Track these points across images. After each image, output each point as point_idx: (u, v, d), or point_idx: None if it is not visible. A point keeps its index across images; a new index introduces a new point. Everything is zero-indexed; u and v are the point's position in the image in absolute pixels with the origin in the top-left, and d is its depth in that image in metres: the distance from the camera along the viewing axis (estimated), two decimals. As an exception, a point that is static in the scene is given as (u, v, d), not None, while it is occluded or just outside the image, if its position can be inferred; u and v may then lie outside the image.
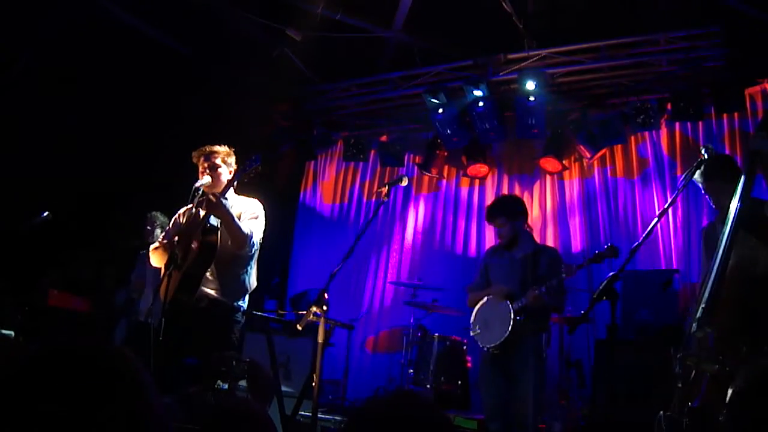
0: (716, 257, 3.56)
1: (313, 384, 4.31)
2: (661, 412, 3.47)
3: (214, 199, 4.63)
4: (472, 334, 5.62)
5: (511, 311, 5.28)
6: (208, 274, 4.75)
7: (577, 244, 8.61)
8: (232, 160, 5.05)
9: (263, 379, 4.58)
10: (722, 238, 3.59)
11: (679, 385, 3.41)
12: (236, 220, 4.72)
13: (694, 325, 3.43)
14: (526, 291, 5.29)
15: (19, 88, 7.31)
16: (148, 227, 6.99)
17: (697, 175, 4.54)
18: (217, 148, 5.01)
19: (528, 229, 5.84)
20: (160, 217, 7.04)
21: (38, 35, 7.47)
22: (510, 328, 5.24)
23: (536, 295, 5.20)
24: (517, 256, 5.61)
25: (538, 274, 5.40)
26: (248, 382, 4.23)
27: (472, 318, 5.65)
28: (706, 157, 4.10)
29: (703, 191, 4.41)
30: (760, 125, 3.82)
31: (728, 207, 4.09)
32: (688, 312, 4.66)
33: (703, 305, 3.47)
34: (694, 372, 3.37)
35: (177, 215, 5.23)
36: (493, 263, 5.79)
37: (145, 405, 1.32)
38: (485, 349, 5.46)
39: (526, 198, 8.91)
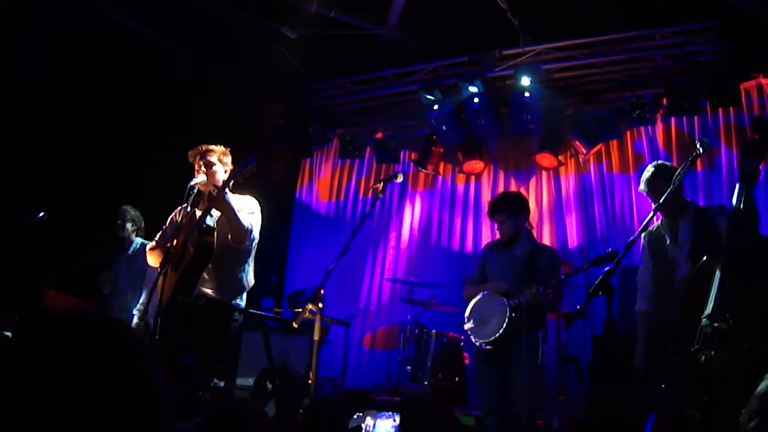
0: (720, 258, 3.60)
1: (310, 381, 4.32)
2: (664, 407, 3.48)
3: (215, 193, 4.64)
4: (465, 327, 5.62)
5: (508, 308, 5.28)
6: (205, 273, 4.76)
7: (573, 239, 8.61)
8: (227, 159, 5.08)
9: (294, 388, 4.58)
10: (724, 239, 3.64)
11: (689, 379, 3.42)
12: (237, 213, 4.73)
13: (704, 320, 3.45)
14: (523, 288, 5.30)
15: (17, 87, 7.29)
16: (119, 221, 6.97)
17: (642, 186, 4.74)
18: (212, 146, 5.04)
19: (529, 227, 5.85)
20: (131, 211, 7.02)
21: (37, 35, 7.46)
22: (505, 326, 5.24)
23: (533, 293, 5.20)
24: (516, 254, 5.61)
25: (536, 273, 5.40)
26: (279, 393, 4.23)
27: (467, 311, 5.64)
28: (701, 151, 4.14)
29: (650, 199, 4.62)
30: (745, 151, 3.89)
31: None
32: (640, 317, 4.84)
33: (711, 302, 3.50)
34: (704, 367, 3.39)
35: (173, 214, 5.25)
36: (492, 259, 5.79)
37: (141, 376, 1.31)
38: (479, 344, 5.46)
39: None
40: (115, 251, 7.00)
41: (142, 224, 7.07)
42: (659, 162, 5.00)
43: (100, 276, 6.99)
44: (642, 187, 4.86)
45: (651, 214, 4.11)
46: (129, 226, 6.96)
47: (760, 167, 3.74)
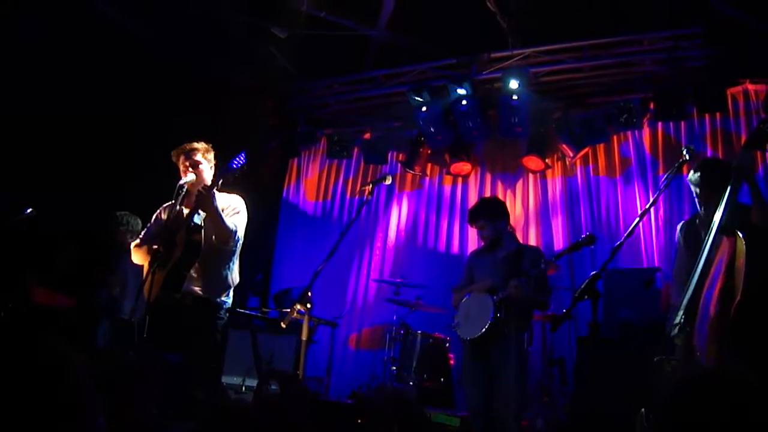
0: (697, 265, 3.61)
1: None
2: (643, 410, 3.50)
3: (204, 193, 4.63)
4: (453, 328, 5.64)
5: (492, 303, 5.31)
6: (192, 271, 4.76)
7: (559, 242, 8.63)
8: (211, 156, 5.08)
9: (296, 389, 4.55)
10: (704, 246, 3.64)
11: (659, 387, 3.44)
12: (222, 215, 4.73)
13: (674, 330, 3.47)
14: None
15: (10, 83, 7.25)
16: (115, 228, 6.87)
17: (694, 179, 4.54)
18: (195, 145, 5.02)
19: (510, 230, 5.88)
20: (126, 217, 6.76)
21: (35, 34, 7.42)
22: (490, 320, 5.26)
23: (517, 284, 5.23)
24: (498, 256, 5.64)
25: (521, 270, 5.43)
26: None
27: (456, 315, 5.67)
28: (687, 157, 4.14)
29: (695, 195, 4.46)
30: (745, 144, 3.87)
31: (713, 212, 4.12)
32: (669, 312, 4.74)
33: (682, 311, 3.51)
34: (667, 375, 3.41)
35: (159, 212, 5.23)
36: (477, 264, 5.82)
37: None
38: (466, 339, 5.47)
39: (508, 197, 8.98)
40: (119, 254, 6.94)
41: (139, 227, 7.00)
42: (711, 158, 4.81)
43: (110, 278, 6.95)
44: (693, 179, 4.69)
45: (653, 196, 4.07)
46: (126, 232, 6.88)
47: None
